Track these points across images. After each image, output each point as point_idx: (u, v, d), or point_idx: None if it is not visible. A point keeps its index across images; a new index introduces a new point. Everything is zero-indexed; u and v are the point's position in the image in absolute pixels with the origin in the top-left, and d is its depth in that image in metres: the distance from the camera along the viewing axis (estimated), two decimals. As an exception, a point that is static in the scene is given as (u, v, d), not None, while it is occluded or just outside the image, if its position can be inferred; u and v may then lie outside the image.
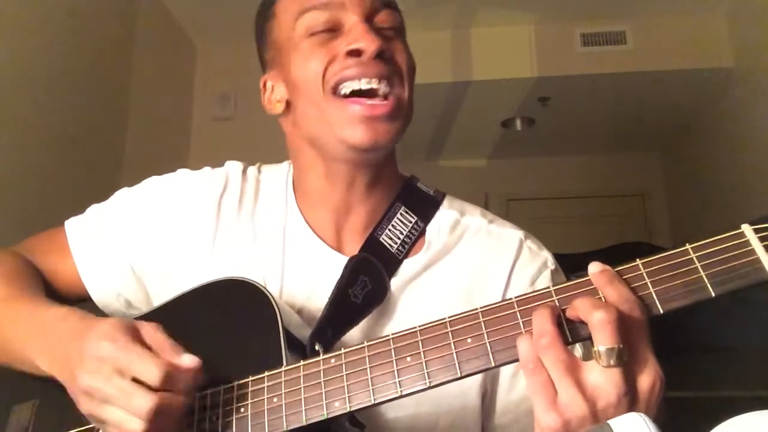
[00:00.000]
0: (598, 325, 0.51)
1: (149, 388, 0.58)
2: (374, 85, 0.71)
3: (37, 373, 0.71)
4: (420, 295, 0.78)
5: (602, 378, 0.51)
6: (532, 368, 0.53)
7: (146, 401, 0.58)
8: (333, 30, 0.73)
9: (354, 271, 0.76)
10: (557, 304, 0.56)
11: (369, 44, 0.70)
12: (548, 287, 0.58)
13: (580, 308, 0.53)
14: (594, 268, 0.56)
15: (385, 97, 0.72)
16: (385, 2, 0.76)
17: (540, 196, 4.37)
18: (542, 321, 0.53)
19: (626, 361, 0.52)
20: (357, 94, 0.72)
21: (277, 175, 0.88)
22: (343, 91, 0.72)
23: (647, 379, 0.53)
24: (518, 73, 3.19)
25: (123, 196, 0.89)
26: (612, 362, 0.51)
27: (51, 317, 0.71)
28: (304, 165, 0.82)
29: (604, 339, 0.51)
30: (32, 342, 0.71)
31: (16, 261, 0.86)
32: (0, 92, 1.75)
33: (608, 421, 0.50)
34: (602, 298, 0.54)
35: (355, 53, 0.71)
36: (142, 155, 2.55)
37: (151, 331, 0.63)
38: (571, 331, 0.55)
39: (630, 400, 0.52)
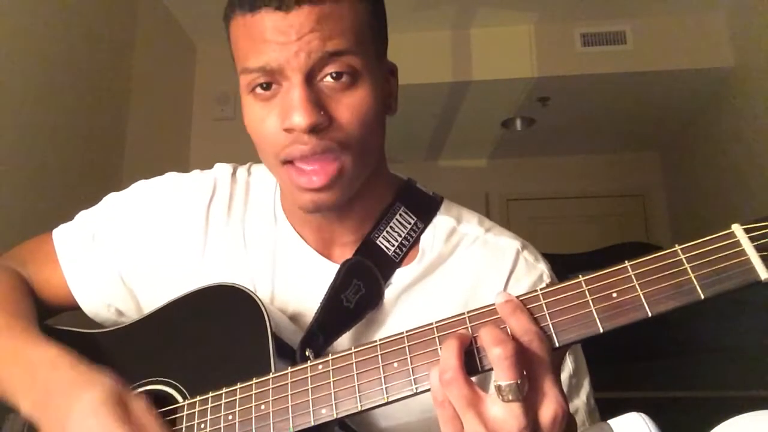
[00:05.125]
0: (496, 360, 0.52)
1: None
2: (312, 161, 0.68)
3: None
4: (413, 305, 0.77)
5: (503, 412, 0.52)
6: (440, 401, 0.54)
7: None
8: (275, 83, 0.68)
9: (348, 274, 0.75)
10: (470, 331, 0.56)
11: (301, 120, 0.64)
12: (463, 313, 0.58)
13: (484, 340, 0.53)
14: (499, 298, 0.57)
15: (323, 166, 0.68)
16: (330, 53, 0.66)
17: (540, 196, 4.37)
18: (447, 354, 0.54)
19: (526, 395, 0.52)
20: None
21: (268, 177, 0.86)
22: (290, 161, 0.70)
23: (548, 411, 0.53)
24: (518, 73, 3.19)
25: (111, 201, 0.89)
26: (511, 397, 0.51)
27: (40, 360, 0.70)
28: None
29: (502, 374, 0.51)
30: (17, 381, 0.70)
31: (7, 281, 0.84)
32: (0, 92, 1.75)
33: (608, 421, 0.50)
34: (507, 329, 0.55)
35: (290, 130, 0.67)
36: (142, 155, 2.55)
37: (140, 410, 0.63)
38: (481, 360, 0.55)
39: None
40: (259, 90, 0.68)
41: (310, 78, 0.66)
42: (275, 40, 0.65)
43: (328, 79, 0.67)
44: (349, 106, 0.68)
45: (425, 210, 0.82)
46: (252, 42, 0.67)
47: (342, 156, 0.68)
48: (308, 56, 0.65)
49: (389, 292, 0.77)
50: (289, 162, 0.69)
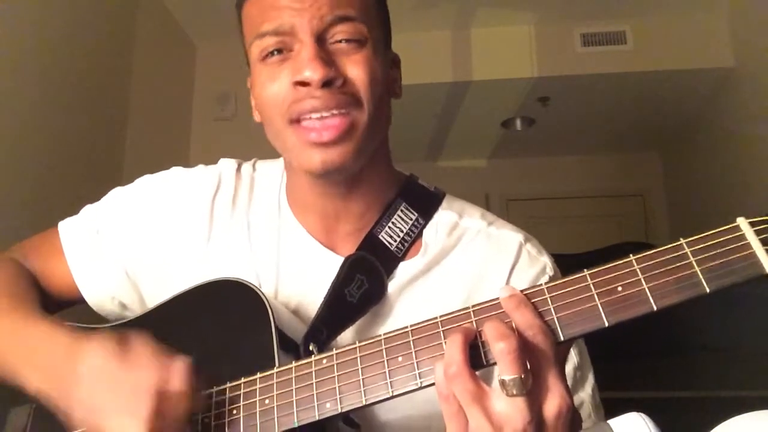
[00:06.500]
0: (500, 355, 0.52)
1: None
2: (325, 114, 0.69)
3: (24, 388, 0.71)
4: (417, 299, 0.77)
5: (507, 406, 0.52)
6: (445, 395, 0.54)
7: (145, 404, 0.59)
8: (286, 49, 0.71)
9: (351, 269, 0.76)
10: (474, 325, 0.57)
11: (313, 73, 0.67)
12: (468, 307, 0.58)
13: (488, 335, 0.54)
14: (503, 292, 0.57)
15: (334, 121, 0.70)
16: (340, 17, 0.70)
17: (540, 196, 4.37)
18: (452, 348, 0.54)
19: (530, 389, 0.52)
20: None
21: (272, 172, 0.87)
22: (299, 119, 0.71)
23: (553, 405, 0.53)
24: (518, 73, 3.19)
25: (116, 195, 0.89)
26: (515, 392, 0.51)
27: (39, 335, 0.71)
28: (290, 170, 0.83)
29: (506, 369, 0.51)
30: (21, 359, 0.71)
31: (11, 269, 0.85)
32: (1, 92, 1.75)
33: (608, 421, 0.50)
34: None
35: (302, 84, 0.69)
36: (142, 155, 2.55)
37: (140, 343, 0.64)
38: (486, 354, 0.55)
39: (536, 427, 0.52)
40: (270, 56, 0.72)
41: (320, 40, 0.70)
42: (288, 6, 0.70)
43: (338, 43, 0.71)
44: (358, 63, 0.71)
45: (427, 205, 0.82)
46: (265, 11, 0.72)
47: (354, 111, 0.71)
48: (320, 20, 0.70)
49: (392, 286, 0.77)
50: (297, 122, 0.71)
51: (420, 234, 0.80)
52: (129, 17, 2.58)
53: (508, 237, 0.81)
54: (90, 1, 2.26)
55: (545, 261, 0.80)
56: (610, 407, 0.71)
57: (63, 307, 0.89)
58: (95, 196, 0.92)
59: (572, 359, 0.77)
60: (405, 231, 0.79)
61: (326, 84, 0.68)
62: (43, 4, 1.95)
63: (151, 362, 0.62)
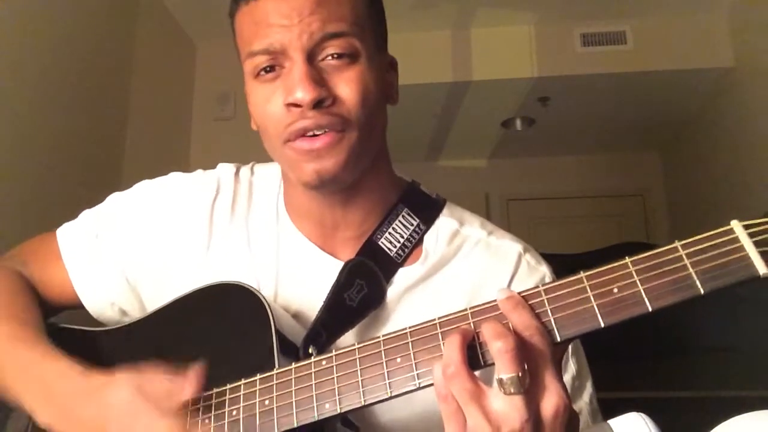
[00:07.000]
0: (497, 354, 0.52)
1: None
2: (317, 132, 0.70)
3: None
4: (416, 305, 0.77)
5: (505, 405, 0.52)
6: (443, 395, 0.55)
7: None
8: (278, 66, 0.71)
9: (350, 274, 0.76)
10: (472, 327, 0.57)
11: (305, 95, 0.67)
12: (466, 309, 0.59)
13: (485, 335, 0.54)
14: (501, 294, 0.58)
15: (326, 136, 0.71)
16: (330, 34, 0.69)
17: (540, 196, 4.37)
18: (450, 349, 0.55)
19: (528, 388, 0.52)
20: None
21: (270, 177, 0.87)
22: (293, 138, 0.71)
23: (550, 404, 0.53)
24: (518, 73, 3.19)
25: (115, 200, 0.89)
26: (512, 390, 0.52)
27: (52, 373, 0.70)
28: (286, 180, 0.83)
29: (503, 368, 0.52)
30: (32, 395, 0.70)
31: (11, 284, 0.83)
32: (0, 92, 1.75)
33: (608, 421, 0.50)
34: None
35: (294, 105, 0.69)
36: (142, 155, 2.55)
37: (156, 381, 0.64)
38: (484, 354, 0.56)
39: (534, 425, 0.53)
40: (263, 73, 0.71)
41: (311, 57, 0.70)
42: (278, 23, 0.69)
43: (329, 59, 0.70)
44: (350, 81, 0.70)
45: (428, 212, 0.83)
46: (256, 27, 0.71)
47: (346, 132, 0.70)
48: (310, 37, 0.69)
49: (392, 292, 0.77)
50: (291, 141, 0.71)
51: (421, 240, 0.80)
52: (129, 17, 2.58)
53: (508, 247, 0.81)
54: (90, 1, 2.26)
55: (544, 271, 0.81)
56: (610, 407, 0.71)
57: (60, 311, 0.89)
58: (95, 196, 0.91)
59: (570, 368, 0.77)
60: (406, 237, 0.80)
61: (317, 105, 0.68)
62: (43, 4, 1.95)
63: (171, 409, 0.62)
